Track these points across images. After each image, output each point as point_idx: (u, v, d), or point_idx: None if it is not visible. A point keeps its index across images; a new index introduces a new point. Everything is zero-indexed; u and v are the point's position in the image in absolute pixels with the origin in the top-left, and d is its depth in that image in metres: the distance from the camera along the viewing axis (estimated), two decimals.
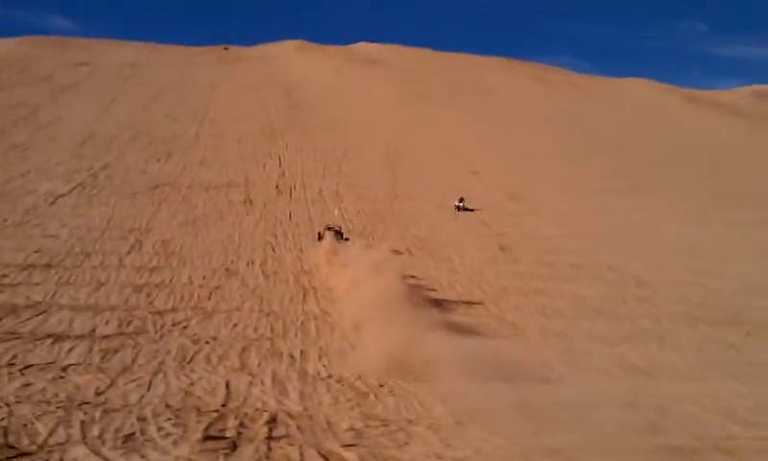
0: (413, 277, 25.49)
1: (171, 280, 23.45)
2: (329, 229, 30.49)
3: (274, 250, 28.42)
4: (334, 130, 56.70)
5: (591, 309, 23.05)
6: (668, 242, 32.41)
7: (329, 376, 15.96)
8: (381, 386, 15.50)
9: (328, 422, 13.26)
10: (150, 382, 14.91)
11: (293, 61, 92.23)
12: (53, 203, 33.18)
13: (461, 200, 37.88)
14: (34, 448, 11.43)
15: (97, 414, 12.98)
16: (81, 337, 17.69)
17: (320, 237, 30.05)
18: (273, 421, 13.07)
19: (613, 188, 43.65)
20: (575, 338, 20.13)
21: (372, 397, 14.83)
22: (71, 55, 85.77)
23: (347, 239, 30.24)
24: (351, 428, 13.01)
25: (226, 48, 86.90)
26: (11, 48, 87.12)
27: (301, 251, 28.48)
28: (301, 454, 11.72)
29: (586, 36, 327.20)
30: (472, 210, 36.50)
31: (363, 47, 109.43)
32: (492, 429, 13.23)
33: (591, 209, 38.40)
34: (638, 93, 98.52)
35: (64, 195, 34.74)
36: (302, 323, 20.03)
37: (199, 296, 21.99)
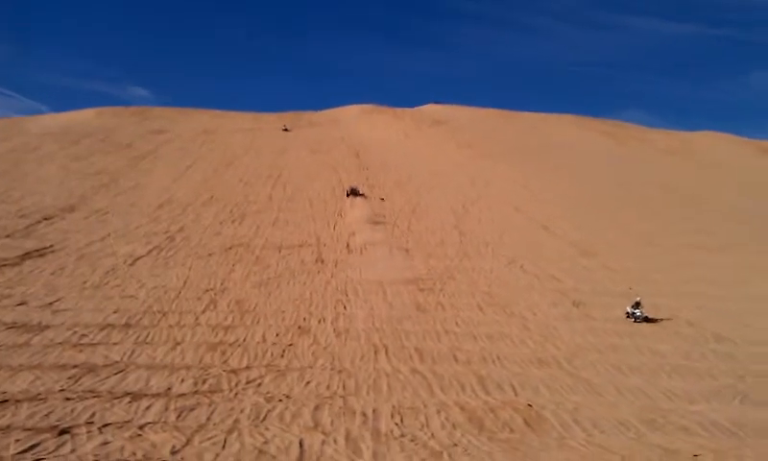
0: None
1: (245, 339, 23.69)
2: (352, 190, 53.65)
3: (345, 307, 28.50)
4: (403, 189, 57.11)
5: (670, 366, 22.32)
6: (751, 299, 31.29)
7: (402, 435, 15.81)
8: (455, 445, 15.28)
9: None
10: (225, 441, 15.03)
11: (361, 124, 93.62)
12: (131, 264, 34.12)
13: (636, 305, 28.32)
14: None
15: None
16: (157, 396, 17.97)
17: (348, 195, 53.09)
18: None
19: (691, 244, 42.60)
20: (653, 396, 19.50)
21: (446, 456, 14.64)
22: (149, 123, 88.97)
23: (363, 194, 53.40)
24: None
25: (285, 129, 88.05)
26: (91, 118, 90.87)
27: (372, 308, 28.46)
28: None
29: (654, 90, 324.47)
30: (655, 320, 28.02)
31: (430, 108, 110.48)
32: None
33: (668, 265, 37.49)
34: (711, 146, 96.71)
35: (143, 257, 35.70)
36: (374, 380, 19.94)
37: (272, 354, 22.14)
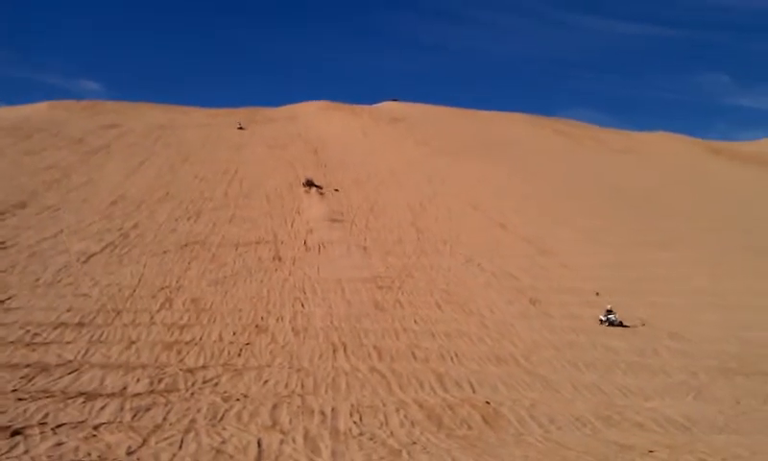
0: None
1: (201, 338, 23.48)
2: (308, 181, 55.52)
3: (303, 306, 28.42)
4: (360, 186, 57.08)
5: (624, 363, 22.70)
6: (700, 294, 31.98)
7: (361, 434, 15.81)
8: (414, 443, 15.32)
9: None
10: (181, 441, 14.86)
11: (319, 121, 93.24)
12: (85, 262, 33.55)
13: (609, 311, 27.65)
14: None
15: None
16: (112, 395, 17.72)
17: (304, 185, 54.86)
18: None
19: (642, 242, 43.29)
20: (609, 392, 19.81)
21: (404, 454, 14.65)
22: (101, 118, 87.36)
23: (319, 186, 55.23)
24: None
25: (240, 127, 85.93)
26: (42, 112, 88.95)
27: (330, 306, 28.41)
28: None
29: (607, 90, 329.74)
30: (627, 326, 27.18)
31: (388, 106, 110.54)
32: None
33: (620, 263, 38.06)
34: (662, 146, 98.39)
35: (96, 254, 35.13)
36: (333, 378, 19.92)
37: (229, 353, 21.98)
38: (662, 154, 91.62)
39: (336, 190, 54.76)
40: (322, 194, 53.66)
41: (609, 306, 27.94)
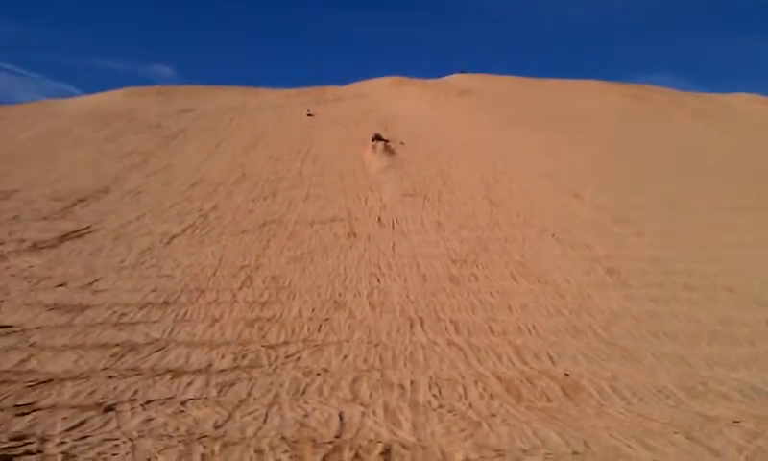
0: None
1: (282, 314, 23.91)
2: (376, 136, 58.92)
3: (379, 281, 28.61)
4: (432, 161, 56.83)
5: (708, 332, 22.11)
6: None
7: (441, 406, 15.90)
8: (493, 415, 15.35)
9: (442, 452, 13.20)
10: (266, 415, 15.23)
11: (388, 97, 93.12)
12: (167, 243, 34.51)
13: None
14: None
15: (216, 447, 13.35)
16: (198, 372, 18.25)
17: (373, 140, 58.16)
18: (387, 452, 13.12)
19: (724, 207, 41.87)
20: (692, 363, 19.38)
21: (484, 426, 14.69)
22: (175, 102, 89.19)
23: (386, 140, 59.23)
24: (466, 459, 12.92)
25: (309, 114, 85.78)
26: (117, 99, 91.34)
27: (406, 281, 28.52)
28: None
29: (686, 52, 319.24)
30: None
31: (457, 79, 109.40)
32: (610, 459, 12.92)
33: (701, 229, 36.94)
34: (746, 108, 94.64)
35: (178, 235, 36.10)
36: (411, 352, 20.05)
37: (309, 328, 22.34)
38: (744, 116, 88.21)
39: (402, 143, 59.54)
40: (389, 148, 57.36)
41: None
